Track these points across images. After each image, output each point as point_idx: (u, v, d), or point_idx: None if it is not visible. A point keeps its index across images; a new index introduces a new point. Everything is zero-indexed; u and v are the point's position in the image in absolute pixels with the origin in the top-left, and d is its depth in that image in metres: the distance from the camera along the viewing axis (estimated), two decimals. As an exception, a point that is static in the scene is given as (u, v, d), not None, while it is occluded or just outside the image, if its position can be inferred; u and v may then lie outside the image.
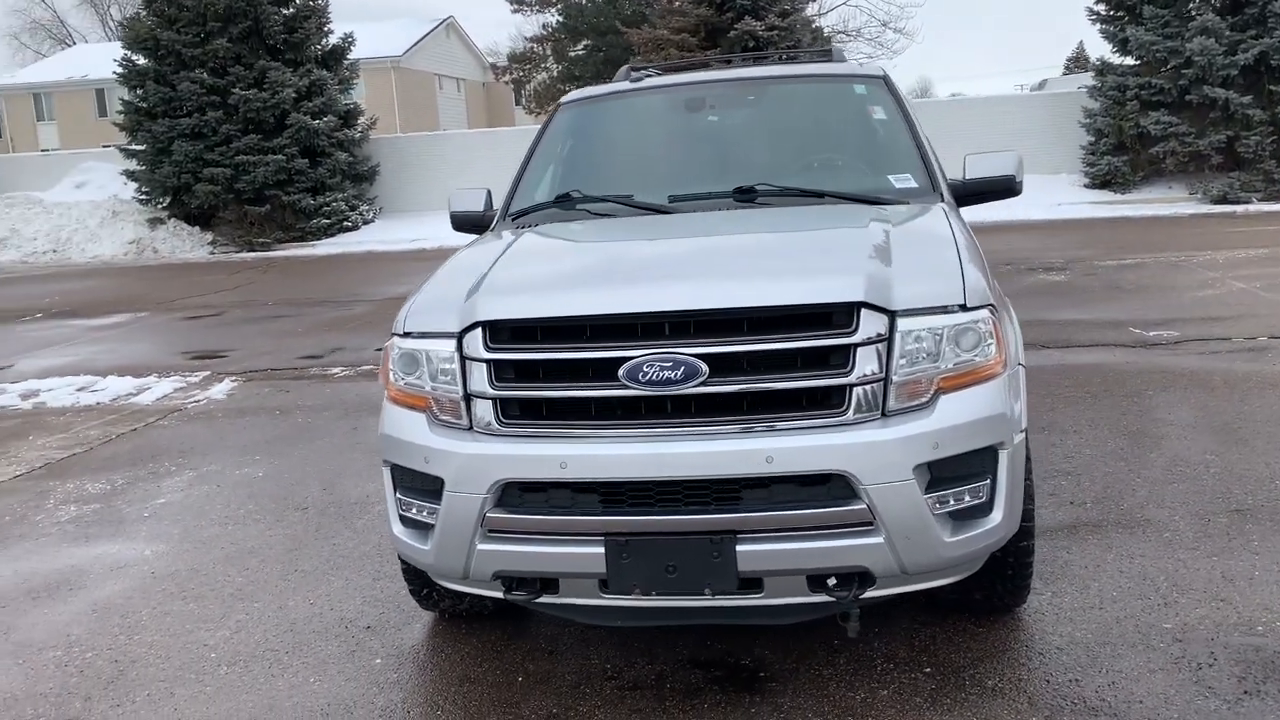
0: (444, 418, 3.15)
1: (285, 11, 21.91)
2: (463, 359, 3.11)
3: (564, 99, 4.96)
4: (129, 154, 22.48)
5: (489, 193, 4.61)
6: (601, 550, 2.96)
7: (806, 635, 3.57)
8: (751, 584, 3.00)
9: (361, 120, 23.51)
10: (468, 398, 3.10)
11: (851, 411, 2.93)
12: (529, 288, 3.29)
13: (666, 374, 2.92)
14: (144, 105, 21.68)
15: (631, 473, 2.94)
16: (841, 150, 4.48)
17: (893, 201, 4.01)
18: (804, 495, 2.92)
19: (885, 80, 4.59)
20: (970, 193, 4.31)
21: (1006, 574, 3.44)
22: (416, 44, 49.14)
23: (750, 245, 3.57)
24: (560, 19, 39.77)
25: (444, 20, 52.28)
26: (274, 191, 21.67)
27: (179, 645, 3.87)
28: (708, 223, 3.91)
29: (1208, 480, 4.81)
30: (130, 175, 22.67)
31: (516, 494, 3.03)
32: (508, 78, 45.72)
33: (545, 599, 3.17)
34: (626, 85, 4.88)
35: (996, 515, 3.05)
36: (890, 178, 4.20)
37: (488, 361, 3.08)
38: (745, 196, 4.05)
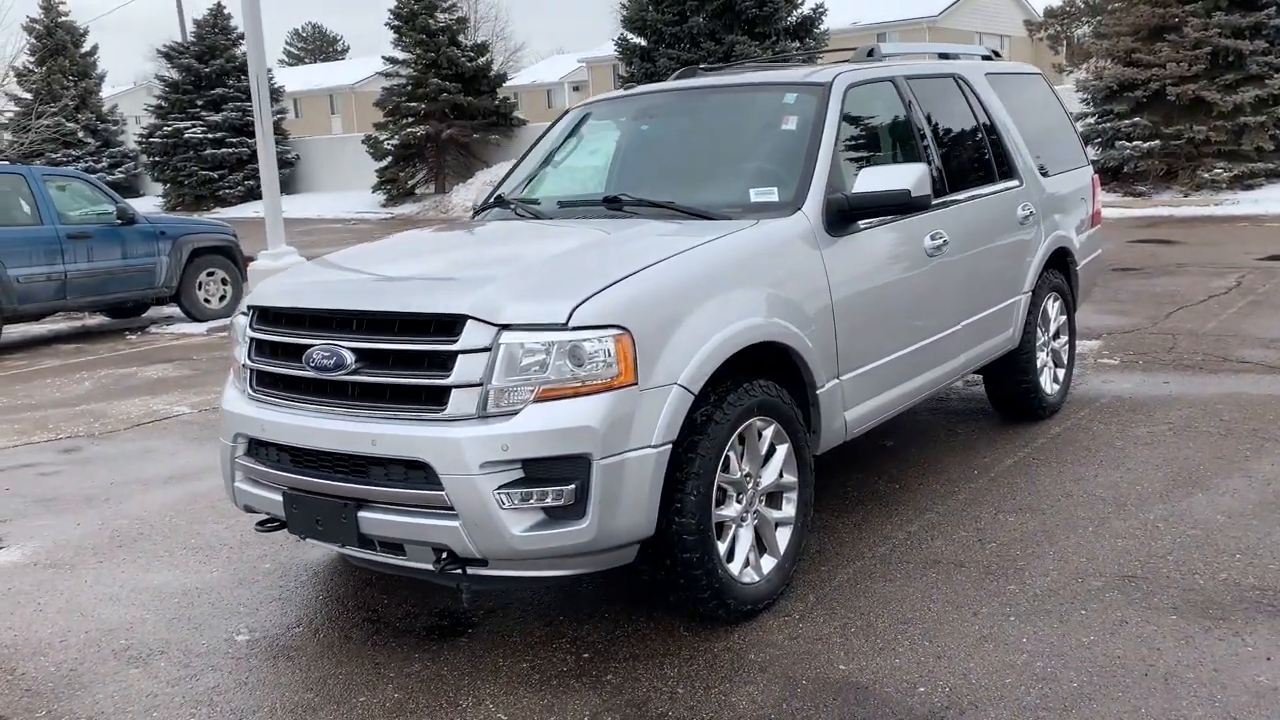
0: (238, 382, 4.03)
1: (757, -14, 23.11)
2: (247, 335, 3.96)
3: (575, 105, 5.48)
4: (620, 123, 25.27)
5: (492, 190, 5.31)
6: (281, 499, 3.69)
7: (545, 606, 3.97)
8: (395, 547, 3.55)
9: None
10: (245, 366, 3.95)
11: (451, 410, 3.34)
12: (287, 281, 4.03)
13: (325, 361, 3.55)
14: (631, 81, 24.19)
15: (293, 440, 3.62)
16: (731, 161, 4.57)
17: (724, 217, 4.13)
18: (410, 477, 3.41)
19: (826, 89, 4.54)
20: (857, 208, 4.23)
21: (679, 583, 3.57)
22: (956, 3, 48.31)
23: (489, 255, 4.04)
24: (1098, -29, 36.91)
25: (992, -24, 50.67)
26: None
27: (183, 527, 5.14)
28: (542, 230, 4.39)
29: (1164, 543, 4.22)
30: (623, 142, 25.47)
31: (255, 447, 3.84)
32: (1042, 34, 43.42)
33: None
34: (620, 93, 5.29)
35: (586, 520, 3.29)
36: (752, 191, 4.28)
37: (250, 339, 3.90)
38: (614, 206, 4.40)
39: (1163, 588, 3.83)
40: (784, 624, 3.74)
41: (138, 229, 11.63)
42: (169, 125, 33.86)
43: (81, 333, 12.19)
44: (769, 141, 4.57)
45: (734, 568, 3.68)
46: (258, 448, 3.82)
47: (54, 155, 34.62)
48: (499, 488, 3.27)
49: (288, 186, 34.66)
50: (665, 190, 4.44)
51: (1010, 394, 5.88)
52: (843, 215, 4.24)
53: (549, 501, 3.29)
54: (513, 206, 4.83)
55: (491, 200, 5.03)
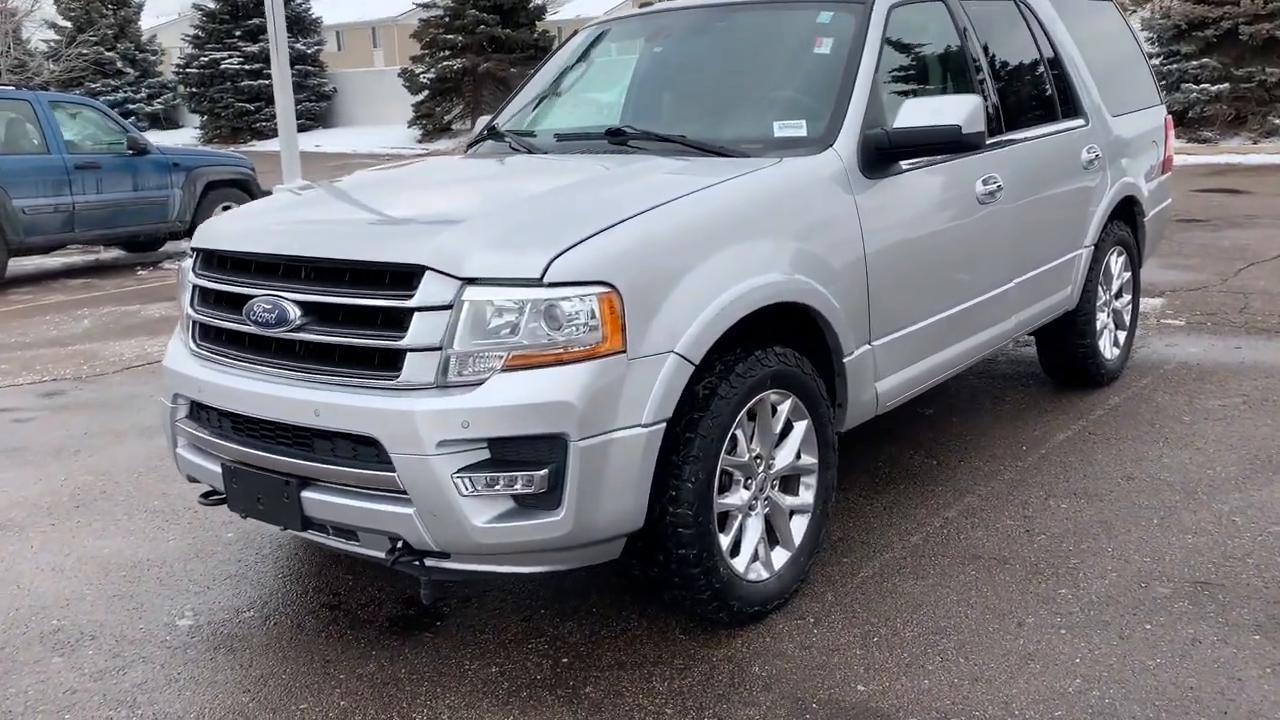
0: (182, 334, 3.54)
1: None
2: (189, 281, 3.47)
3: (586, 25, 4.89)
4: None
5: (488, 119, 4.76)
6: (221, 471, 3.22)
7: (525, 596, 3.50)
8: (347, 531, 3.07)
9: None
10: (188, 317, 3.46)
11: (405, 377, 2.84)
12: (236, 220, 3.52)
13: (266, 315, 3.05)
14: (675, 12, 23.40)
15: (231, 405, 3.14)
16: (755, 89, 3.98)
17: (742, 154, 3.57)
18: (359, 455, 2.91)
19: (866, 7, 3.92)
20: (899, 145, 3.64)
21: (674, 582, 3.07)
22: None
23: (461, 194, 3.50)
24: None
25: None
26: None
27: (149, 486, 4.70)
28: (529, 166, 3.84)
29: (1242, 542, 3.65)
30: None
31: (197, 409, 3.36)
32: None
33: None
34: (638, 11, 4.70)
35: (561, 511, 2.78)
36: (776, 124, 3.70)
37: (193, 286, 3.41)
38: (617, 140, 3.84)
39: (1243, 599, 3.27)
40: (796, 629, 3.23)
41: (150, 160, 11.18)
42: (206, 55, 33.38)
43: (95, 266, 11.82)
44: (799, 67, 3.97)
45: (739, 563, 3.17)
46: (199, 411, 3.35)
47: (93, 85, 34.35)
48: (459, 471, 2.77)
49: (325, 120, 34.21)
50: (678, 122, 3.89)
51: (1065, 359, 5.29)
52: (882, 154, 3.65)
53: (518, 488, 2.78)
54: (506, 139, 4.28)
55: (484, 132, 4.48)
